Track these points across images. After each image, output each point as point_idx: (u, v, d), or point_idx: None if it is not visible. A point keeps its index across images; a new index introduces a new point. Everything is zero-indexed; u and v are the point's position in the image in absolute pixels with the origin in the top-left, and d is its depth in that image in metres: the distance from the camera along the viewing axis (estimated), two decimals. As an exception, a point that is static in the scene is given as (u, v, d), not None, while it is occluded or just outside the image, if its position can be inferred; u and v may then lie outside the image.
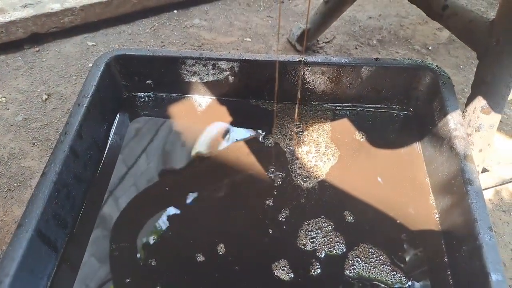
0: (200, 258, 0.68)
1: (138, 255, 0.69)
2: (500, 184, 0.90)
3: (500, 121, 1.03)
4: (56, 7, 1.20)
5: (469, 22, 0.79)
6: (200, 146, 0.85)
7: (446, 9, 0.82)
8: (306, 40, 1.20)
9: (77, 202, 0.72)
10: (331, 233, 0.71)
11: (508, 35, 0.71)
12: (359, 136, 0.87)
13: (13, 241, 0.57)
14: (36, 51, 1.21)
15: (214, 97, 0.93)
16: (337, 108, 0.92)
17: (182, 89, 0.93)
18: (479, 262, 0.58)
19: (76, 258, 0.67)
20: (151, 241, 0.71)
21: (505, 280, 0.56)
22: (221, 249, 0.69)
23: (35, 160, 0.92)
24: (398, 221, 0.73)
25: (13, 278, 0.55)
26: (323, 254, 0.68)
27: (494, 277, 0.56)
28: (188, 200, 0.77)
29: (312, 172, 0.80)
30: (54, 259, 0.65)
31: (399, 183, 0.79)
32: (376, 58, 0.86)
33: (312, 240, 0.70)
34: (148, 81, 0.92)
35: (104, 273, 0.66)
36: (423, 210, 0.74)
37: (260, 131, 0.88)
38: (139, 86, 0.92)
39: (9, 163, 0.91)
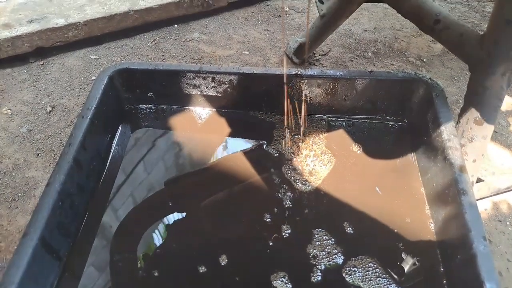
0: (202, 269, 0.68)
1: (140, 266, 0.69)
2: (495, 194, 0.90)
3: (495, 131, 1.04)
4: (61, 22, 1.23)
5: (461, 35, 0.80)
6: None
7: (438, 23, 0.84)
8: (305, 53, 1.22)
9: (80, 212, 0.73)
10: (330, 245, 0.71)
11: (499, 48, 0.72)
12: (355, 147, 0.88)
13: (18, 249, 0.58)
14: (41, 64, 1.23)
15: (214, 109, 0.95)
16: (333, 119, 0.94)
17: (182, 101, 0.95)
18: (474, 271, 0.58)
19: (78, 267, 0.68)
20: (153, 252, 0.71)
21: (499, 289, 0.56)
22: (223, 260, 0.69)
23: (39, 171, 0.93)
24: (395, 231, 0.73)
25: (18, 286, 0.55)
26: (321, 266, 0.69)
27: (488, 285, 0.56)
28: (190, 211, 0.77)
29: (310, 181, 0.81)
30: (57, 268, 0.65)
31: (395, 193, 0.79)
32: (371, 71, 0.88)
33: (310, 251, 0.70)
34: (150, 94, 0.94)
35: (106, 283, 0.67)
36: (418, 220, 0.75)
37: (258, 141, 0.89)
38: (141, 98, 0.94)
39: (13, 174, 0.92)
